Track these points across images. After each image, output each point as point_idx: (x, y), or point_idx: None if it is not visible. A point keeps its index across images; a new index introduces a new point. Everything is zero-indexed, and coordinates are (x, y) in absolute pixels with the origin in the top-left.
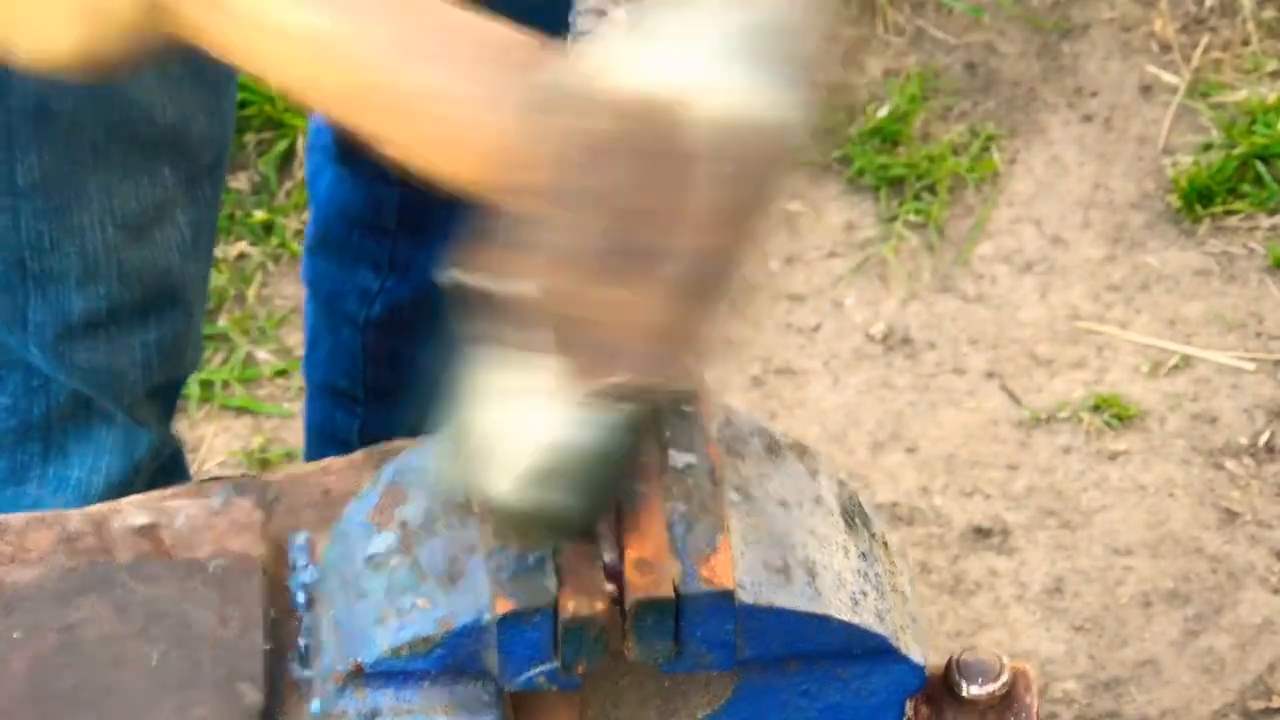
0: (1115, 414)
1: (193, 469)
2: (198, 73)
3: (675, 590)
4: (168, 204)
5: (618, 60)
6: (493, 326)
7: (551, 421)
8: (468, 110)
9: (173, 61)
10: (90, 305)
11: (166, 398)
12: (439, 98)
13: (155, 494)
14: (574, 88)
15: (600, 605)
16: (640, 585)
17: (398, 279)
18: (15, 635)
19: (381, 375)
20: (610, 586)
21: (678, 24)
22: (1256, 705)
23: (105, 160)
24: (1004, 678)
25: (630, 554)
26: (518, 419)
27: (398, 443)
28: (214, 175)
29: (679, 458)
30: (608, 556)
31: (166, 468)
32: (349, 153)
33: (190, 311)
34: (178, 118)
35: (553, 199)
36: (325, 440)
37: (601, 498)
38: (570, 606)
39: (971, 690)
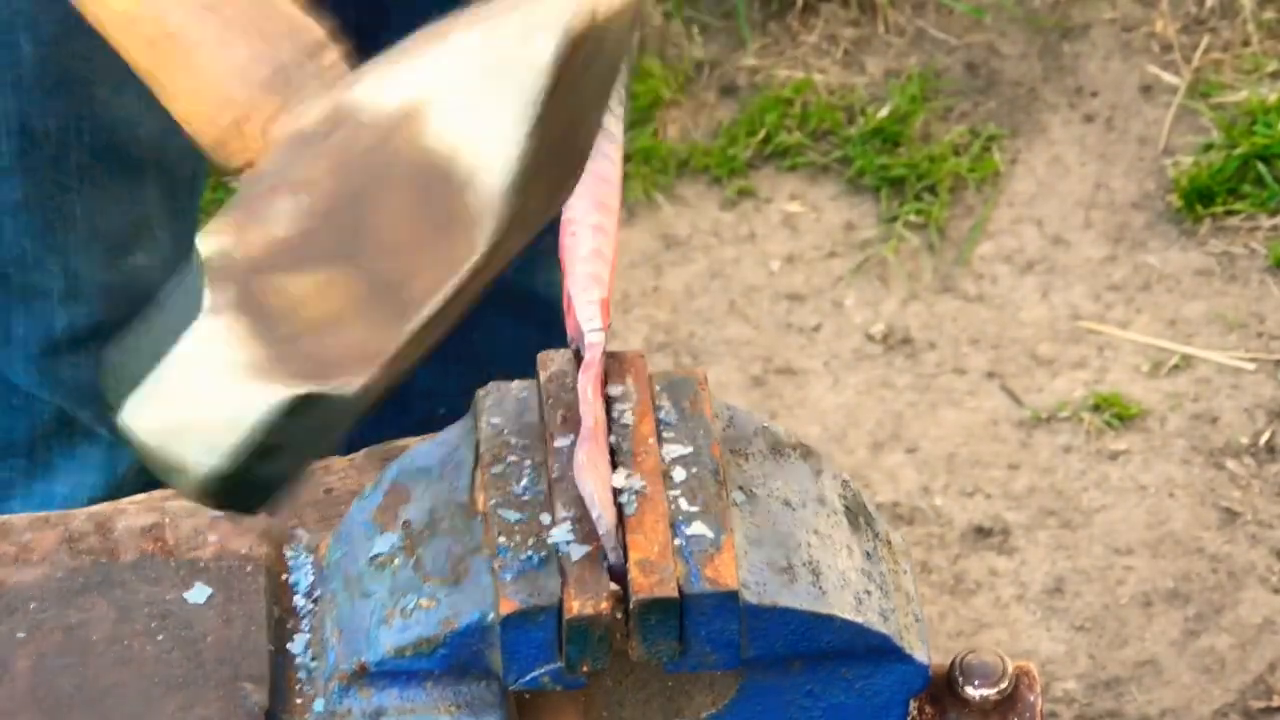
0: (1116, 414)
1: None
2: None
3: (679, 590)
4: (149, 220)
5: (371, 73)
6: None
7: (250, 399)
8: (218, 69)
9: None
10: (74, 322)
11: None
12: (198, 46)
13: (157, 494)
14: (318, 85)
15: (604, 605)
16: (644, 585)
17: None
18: (19, 635)
19: None
20: (614, 586)
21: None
22: (1257, 705)
23: (91, 183)
24: (1007, 678)
25: (634, 554)
26: (222, 394)
27: (399, 442)
28: (193, 186)
29: (682, 457)
30: (612, 556)
31: (154, 482)
32: None
33: None
34: (158, 131)
35: (263, 180)
36: None
37: (298, 470)
38: (574, 606)
39: (975, 691)
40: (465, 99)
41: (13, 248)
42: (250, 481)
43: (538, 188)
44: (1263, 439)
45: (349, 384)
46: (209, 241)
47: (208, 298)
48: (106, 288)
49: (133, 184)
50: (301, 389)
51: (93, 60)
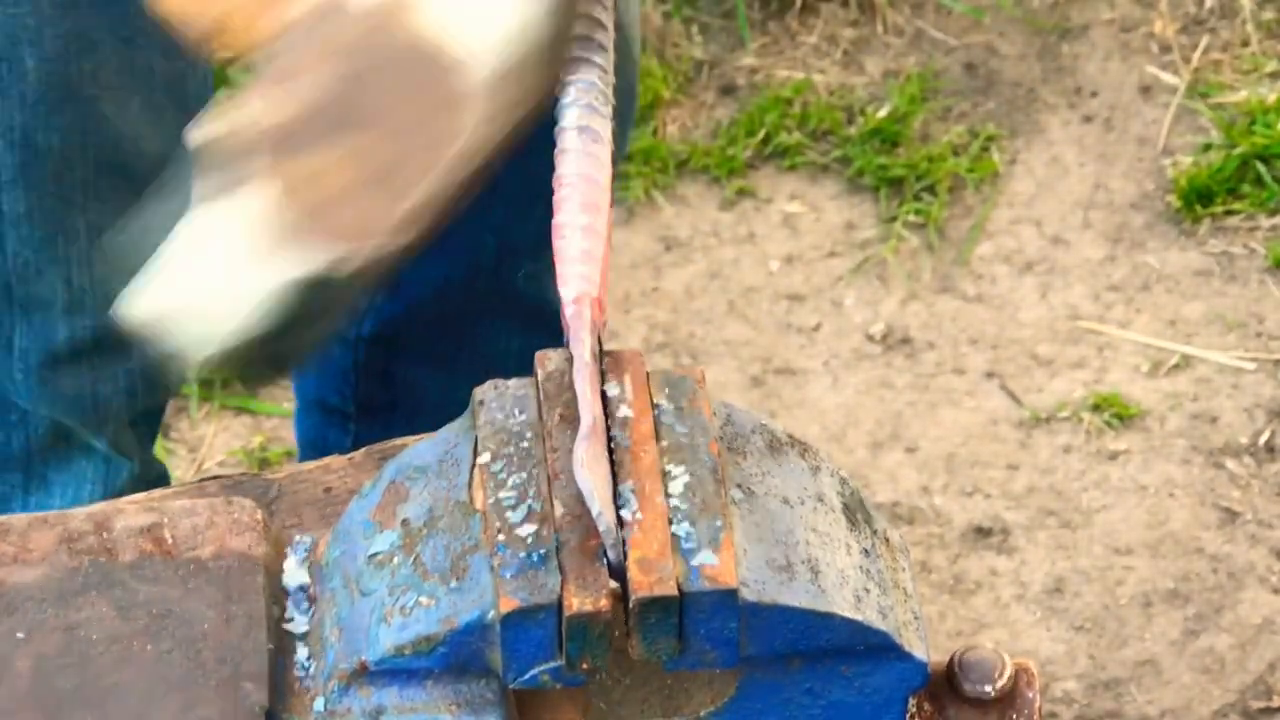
0: (1115, 414)
1: (193, 469)
2: (180, 99)
3: (678, 588)
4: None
5: None
6: (222, 174)
7: (250, 281)
8: None
9: (157, 88)
10: (75, 334)
11: (149, 424)
12: None
13: (156, 493)
14: None
15: (604, 603)
16: (644, 583)
17: (389, 295)
18: (18, 635)
19: (373, 392)
20: (614, 584)
21: None
22: (1256, 705)
23: (95, 198)
24: (1006, 675)
25: (633, 552)
26: (222, 279)
27: (397, 441)
28: None
29: (680, 456)
30: (611, 555)
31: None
32: None
33: None
34: (162, 147)
35: (253, 71)
36: (318, 456)
37: (314, 336)
38: (574, 604)
39: (974, 688)
40: None
41: (15, 259)
42: (255, 357)
43: (523, 77)
44: (1262, 439)
45: (345, 264)
46: (204, 130)
47: (200, 187)
48: (109, 300)
49: (136, 199)
50: (298, 270)
51: (97, 76)
